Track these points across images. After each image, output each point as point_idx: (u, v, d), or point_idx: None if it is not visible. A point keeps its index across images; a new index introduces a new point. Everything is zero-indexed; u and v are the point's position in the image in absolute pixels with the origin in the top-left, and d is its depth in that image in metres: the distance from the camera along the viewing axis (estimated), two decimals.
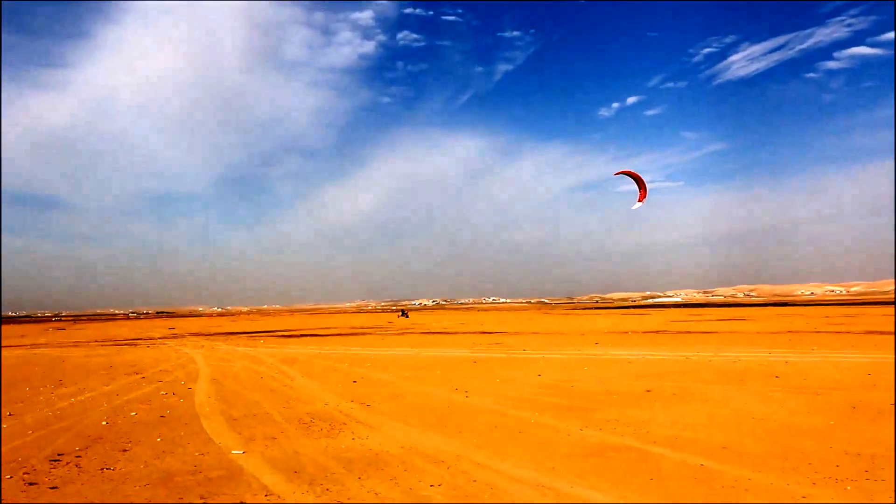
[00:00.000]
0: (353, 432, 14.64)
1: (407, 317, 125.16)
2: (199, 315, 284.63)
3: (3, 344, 59.44)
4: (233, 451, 12.94)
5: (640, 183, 31.10)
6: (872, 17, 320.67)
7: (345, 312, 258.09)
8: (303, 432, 14.74)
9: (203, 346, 48.08)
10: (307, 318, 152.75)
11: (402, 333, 63.21)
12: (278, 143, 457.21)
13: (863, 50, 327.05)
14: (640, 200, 31.21)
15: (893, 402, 16.42)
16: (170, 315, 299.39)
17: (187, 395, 21.23)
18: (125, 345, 53.59)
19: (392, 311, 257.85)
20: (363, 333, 65.59)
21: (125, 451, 13.33)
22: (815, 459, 11.33)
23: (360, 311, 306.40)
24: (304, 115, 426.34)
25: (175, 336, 70.34)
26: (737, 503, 9.20)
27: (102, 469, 11.89)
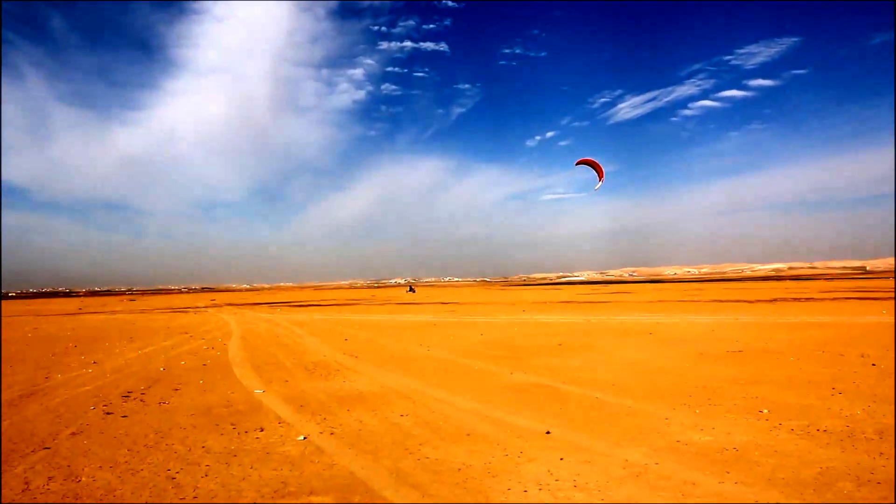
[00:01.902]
0: (344, 377, 14.49)
1: (414, 292, 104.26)
2: (233, 290, 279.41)
3: (90, 311, 57.74)
4: (255, 391, 12.73)
5: (597, 168, 28.41)
6: (713, 80, 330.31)
7: (340, 288, 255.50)
8: (307, 376, 14.56)
9: (235, 313, 47.23)
10: (313, 293, 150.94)
11: (383, 304, 62.79)
12: (294, 164, 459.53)
13: (707, 102, 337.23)
14: (600, 180, 28.27)
15: (732, 351, 16.77)
16: (212, 290, 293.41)
17: (223, 349, 20.83)
18: (179, 312, 52.33)
19: (375, 287, 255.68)
20: (354, 304, 65.04)
21: (177, 390, 13.03)
22: (674, 391, 11.51)
23: (351, 287, 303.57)
24: (314, 144, 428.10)
25: (215, 305, 68.93)
26: (620, 423, 9.31)
27: (160, 403, 11.60)
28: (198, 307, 65.79)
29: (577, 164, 29.04)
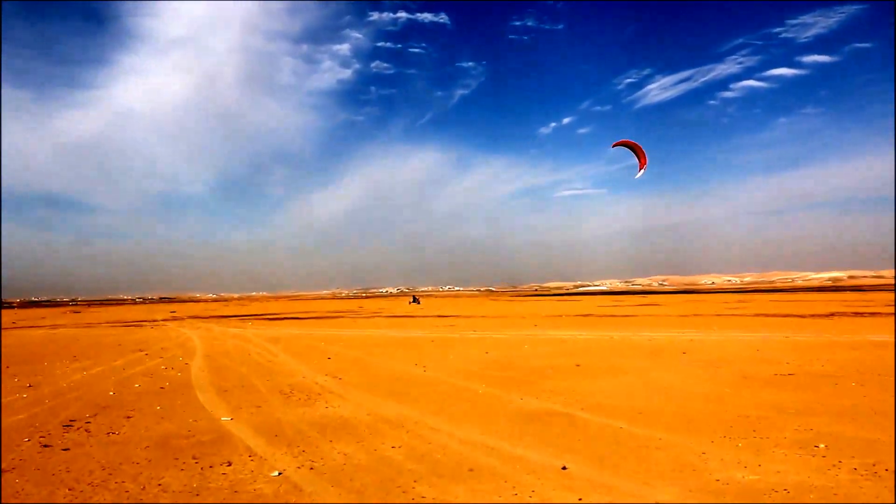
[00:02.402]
0: (326, 401, 14.48)
1: (419, 303, 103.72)
2: (197, 300, 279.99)
3: (25, 325, 57.76)
4: (222, 418, 12.71)
5: (638, 152, 27.88)
6: (758, 57, 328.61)
7: (322, 298, 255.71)
8: (283, 401, 14.54)
9: (199, 328, 47.25)
10: (289, 304, 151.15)
11: (372, 317, 62.85)
12: (269, 154, 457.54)
13: (751, 83, 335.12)
14: (641, 168, 27.77)
15: (781, 374, 16.76)
16: (171, 300, 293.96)
17: (184, 369, 20.81)
18: (132, 326, 52.40)
19: (362, 297, 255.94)
20: (337, 317, 65.06)
21: (129, 417, 13.00)
22: (713, 421, 11.49)
23: (334, 297, 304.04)
24: (292, 131, 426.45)
25: (175, 318, 68.99)
26: (647, 459, 9.28)
27: (109, 433, 11.58)
28: (155, 320, 65.83)
29: (613, 146, 28.42)
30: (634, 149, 27.90)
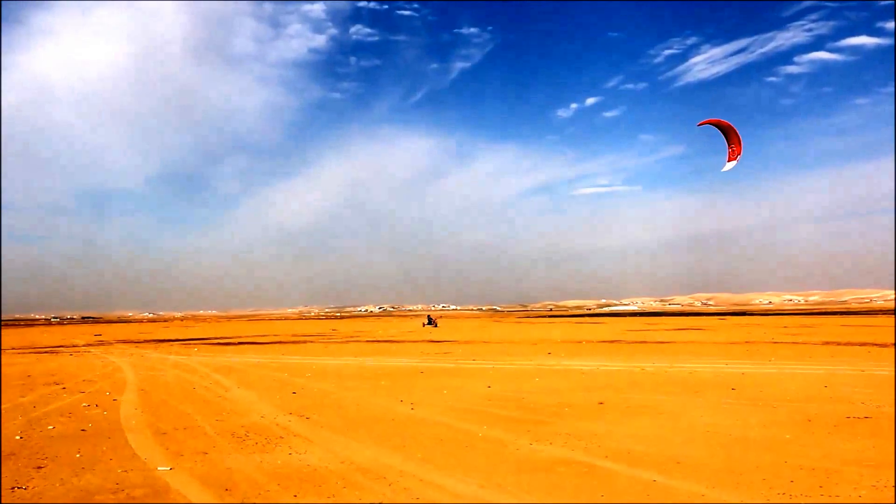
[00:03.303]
0: (290, 446, 14.48)
1: (435, 325, 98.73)
2: (129, 321, 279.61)
3: None
4: (159, 468, 12.69)
5: (732, 136, 26.90)
6: (832, 23, 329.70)
7: (286, 319, 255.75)
8: (236, 446, 14.53)
9: (132, 354, 47.17)
10: (246, 325, 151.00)
11: (347, 342, 62.83)
12: (223, 140, 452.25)
13: (822, 55, 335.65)
14: (731, 160, 26.94)
15: (855, 416, 16.82)
16: (96, 321, 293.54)
17: (112, 406, 20.78)
18: (46, 352, 52.26)
19: (337, 317, 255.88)
20: (305, 341, 65.02)
21: (40, 468, 12.96)
22: (769, 474, 11.52)
23: (302, 317, 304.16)
24: (251, 111, 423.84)
25: (101, 343, 68.86)
26: None
27: (13, 488, 11.53)
28: (76, 346, 65.67)
29: (700, 124, 27.54)
30: (727, 131, 27.00)
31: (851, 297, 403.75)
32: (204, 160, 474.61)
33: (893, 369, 27.19)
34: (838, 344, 46.50)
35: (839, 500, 10.01)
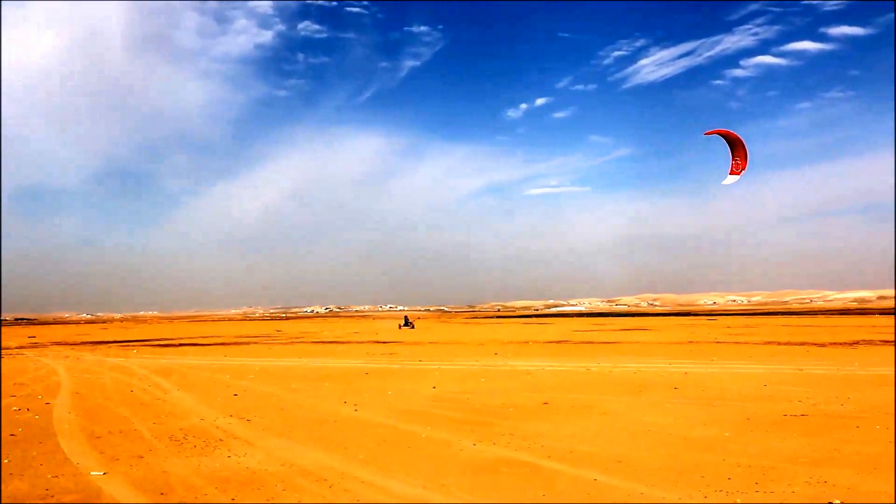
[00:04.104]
0: (229, 449, 14.33)
1: (412, 327, 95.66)
2: (65, 322, 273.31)
3: None
4: (92, 473, 12.45)
5: (738, 149, 25.76)
6: (777, 27, 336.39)
7: (230, 320, 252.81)
8: (174, 450, 14.33)
9: (67, 357, 46.16)
10: (187, 326, 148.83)
11: (292, 343, 62.35)
12: (165, 136, 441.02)
13: (768, 59, 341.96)
14: (733, 173, 25.83)
15: (792, 414, 17.20)
16: (30, 322, 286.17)
17: (44, 410, 20.32)
18: None
19: (282, 318, 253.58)
20: (248, 342, 64.35)
21: None
22: (708, 472, 11.74)
23: (246, 318, 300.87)
24: (195, 107, 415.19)
25: (35, 345, 67.23)
26: None
27: None
28: (7, 349, 64.07)
29: (707, 133, 26.26)
30: (734, 143, 25.94)
31: (792, 297, 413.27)
32: (146, 157, 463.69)
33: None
34: (778, 344, 47.55)
35: (774, 497, 10.24)
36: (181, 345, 62.06)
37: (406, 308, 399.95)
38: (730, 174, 25.90)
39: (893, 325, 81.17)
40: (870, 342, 47.94)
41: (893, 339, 51.23)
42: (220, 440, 15.34)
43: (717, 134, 26.03)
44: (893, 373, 25.99)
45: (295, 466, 12.68)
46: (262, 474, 12.16)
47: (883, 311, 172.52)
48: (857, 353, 37.31)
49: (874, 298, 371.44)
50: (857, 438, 14.33)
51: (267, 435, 15.86)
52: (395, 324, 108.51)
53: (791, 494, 10.37)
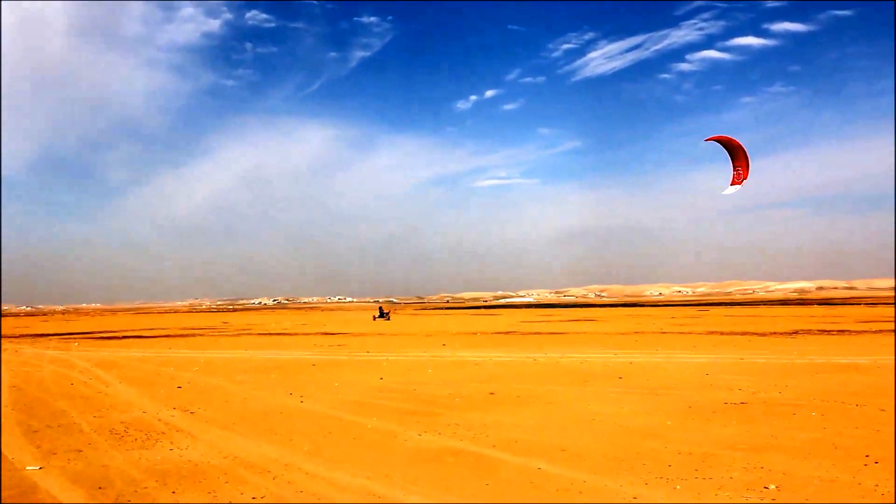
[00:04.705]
0: (171, 442, 14.15)
1: (388, 318, 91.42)
2: (4, 315, 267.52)
3: None
4: (28, 467, 12.20)
5: (739, 156, 24.67)
6: (722, 23, 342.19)
7: (176, 312, 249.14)
8: (114, 444, 14.10)
9: (5, 350, 45.09)
10: (132, 319, 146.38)
11: (239, 335, 61.73)
12: (109, 126, 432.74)
13: (713, 54, 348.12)
14: (735, 183, 24.78)
15: (732, 402, 17.54)
16: None
17: None
18: None
19: (229, 310, 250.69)
20: (194, 335, 63.55)
21: None
22: (649, 460, 11.91)
23: (193, 310, 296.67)
24: (140, 96, 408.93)
25: None
26: None
27: None
28: None
29: (707, 140, 25.04)
30: (734, 150, 24.81)
31: (736, 288, 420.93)
32: (89, 146, 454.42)
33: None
34: (721, 334, 48.44)
35: (712, 483, 10.42)
36: (125, 337, 61.05)
37: (355, 300, 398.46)
38: (731, 184, 24.82)
39: (832, 314, 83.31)
40: (808, 332, 49.12)
41: (834, 329, 52.58)
42: (163, 433, 15.13)
43: (717, 141, 25.00)
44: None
45: (238, 459, 12.57)
46: (205, 467, 12.02)
47: (821, 302, 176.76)
48: (796, 343, 38.19)
49: (813, 289, 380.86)
50: (793, 425, 14.66)
51: (210, 427, 15.70)
52: (363, 314, 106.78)
53: (729, 480, 10.56)
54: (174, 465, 12.16)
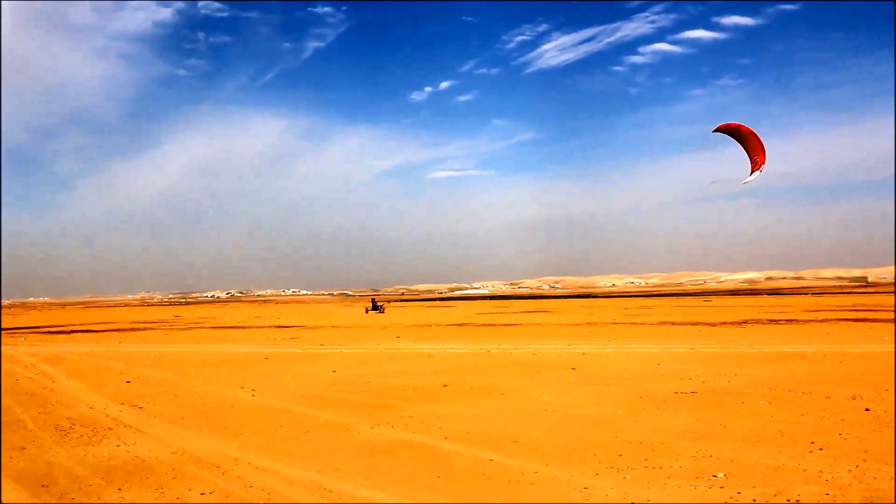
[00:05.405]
0: (119, 438, 13.90)
1: (382, 311, 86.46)
2: None
3: None
4: None
5: (753, 143, 23.71)
6: (673, 16, 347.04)
7: (127, 305, 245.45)
8: (59, 440, 13.80)
9: None
10: (81, 313, 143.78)
11: (191, 328, 61.02)
12: (59, 115, 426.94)
13: (664, 46, 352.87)
14: (756, 169, 23.67)
15: (682, 392, 17.76)
16: None
17: None
18: None
19: (181, 303, 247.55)
20: (145, 328, 62.65)
21: None
22: (600, 449, 11.99)
23: (144, 303, 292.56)
24: (90, 85, 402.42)
25: None
26: (517, 502, 9.53)
27: None
28: None
29: (716, 130, 24.17)
30: (745, 137, 23.86)
31: (687, 279, 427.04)
32: (38, 136, 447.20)
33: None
34: (673, 324, 49.13)
35: (662, 472, 10.52)
36: (73, 332, 59.95)
37: (310, 292, 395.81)
38: (751, 172, 23.80)
39: (780, 304, 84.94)
40: (757, 321, 50.05)
41: (782, 318, 53.57)
42: (110, 429, 14.86)
43: (725, 129, 24.12)
44: (805, 351, 27.16)
45: (187, 454, 12.38)
46: (152, 462, 11.82)
47: (770, 292, 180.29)
48: (745, 332, 38.87)
49: (763, 279, 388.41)
50: (742, 413, 14.87)
51: (159, 422, 15.45)
52: (325, 307, 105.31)
53: (678, 469, 10.67)
54: (120, 462, 11.93)
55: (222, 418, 15.77)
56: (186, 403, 18.04)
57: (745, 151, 23.94)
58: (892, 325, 41.17)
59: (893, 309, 61.40)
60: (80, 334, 54.93)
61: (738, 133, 23.92)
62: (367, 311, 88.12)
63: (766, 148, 23.62)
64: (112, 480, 10.78)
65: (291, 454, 12.19)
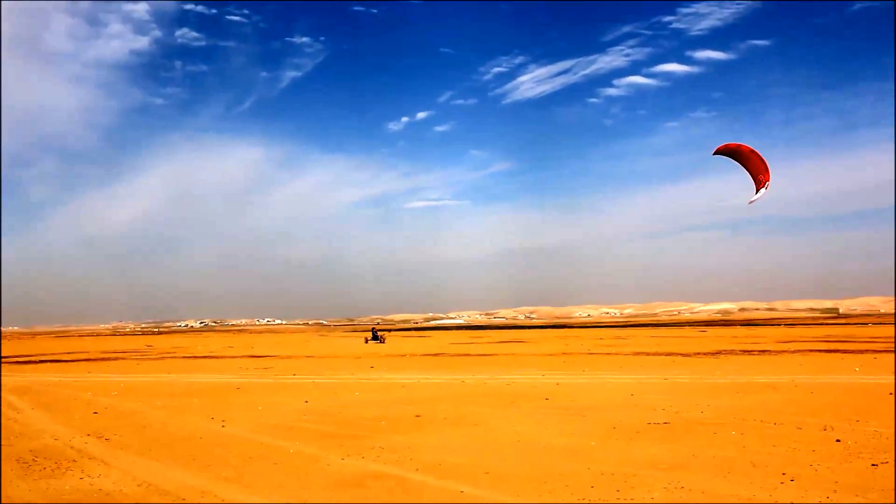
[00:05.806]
0: (83, 470, 13.62)
1: (382, 341, 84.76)
2: None
3: None
4: None
5: (756, 162, 23.33)
6: (647, 49, 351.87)
7: (98, 335, 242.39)
8: (20, 473, 13.50)
9: None
10: (50, 342, 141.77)
11: (163, 358, 60.28)
12: (31, 142, 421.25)
13: (638, 79, 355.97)
14: (761, 187, 23.26)
15: (655, 422, 17.73)
16: None
17: None
18: None
19: (154, 333, 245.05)
20: (116, 358, 61.81)
21: None
22: (572, 481, 11.90)
23: (116, 333, 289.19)
24: (64, 113, 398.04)
25: None
26: None
27: None
28: None
29: (716, 151, 23.83)
30: (747, 157, 23.50)
31: (662, 309, 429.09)
32: (9, 162, 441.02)
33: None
34: (647, 354, 49.23)
35: (634, 502, 10.45)
36: (41, 361, 59.02)
37: (285, 322, 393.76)
38: (756, 190, 23.37)
39: (754, 335, 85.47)
40: (731, 352, 50.24)
41: (755, 349, 53.87)
42: (74, 461, 14.56)
43: (725, 151, 23.66)
44: (776, 381, 27.24)
45: (153, 487, 12.16)
46: (117, 496, 11.60)
47: (744, 323, 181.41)
48: (719, 363, 38.99)
49: (736, 310, 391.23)
50: (714, 443, 14.86)
51: (126, 454, 15.17)
52: (301, 337, 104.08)
53: (650, 500, 10.61)
54: (83, 495, 11.70)
55: (190, 450, 15.51)
56: (154, 435, 17.74)
57: (747, 172, 23.53)
58: (867, 356, 41.52)
59: (871, 339, 61.84)
60: (48, 364, 54.10)
61: (738, 153, 23.58)
62: (366, 340, 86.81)
63: (769, 166, 23.19)
64: None
65: (260, 486, 12.01)
